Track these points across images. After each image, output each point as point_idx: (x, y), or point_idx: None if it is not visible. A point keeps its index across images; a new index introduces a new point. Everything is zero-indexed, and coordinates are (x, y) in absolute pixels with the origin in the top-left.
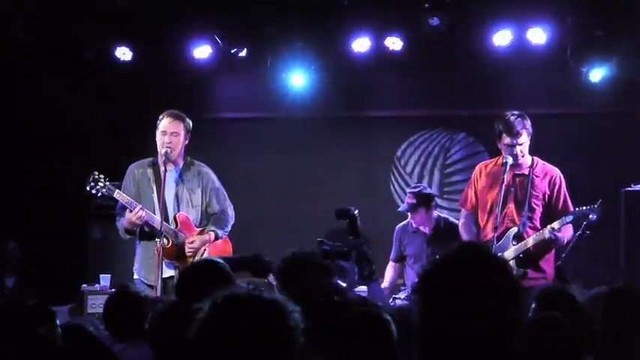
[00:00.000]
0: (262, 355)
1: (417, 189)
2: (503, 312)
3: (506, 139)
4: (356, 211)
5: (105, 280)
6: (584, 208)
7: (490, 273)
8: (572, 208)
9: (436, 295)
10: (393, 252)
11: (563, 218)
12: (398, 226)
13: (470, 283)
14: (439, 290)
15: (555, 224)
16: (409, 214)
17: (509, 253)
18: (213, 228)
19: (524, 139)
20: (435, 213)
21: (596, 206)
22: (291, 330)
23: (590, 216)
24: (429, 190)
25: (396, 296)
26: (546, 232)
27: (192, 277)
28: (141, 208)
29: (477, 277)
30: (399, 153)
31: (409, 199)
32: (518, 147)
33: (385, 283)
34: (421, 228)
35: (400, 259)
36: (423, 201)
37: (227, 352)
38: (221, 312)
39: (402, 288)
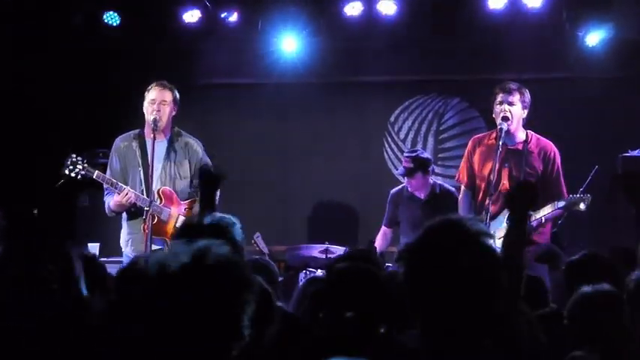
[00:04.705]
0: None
1: (415, 153)
2: (481, 281)
3: (499, 97)
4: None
5: (93, 248)
6: (577, 196)
7: (468, 245)
8: (564, 188)
9: (419, 267)
10: (386, 216)
11: (556, 203)
12: (393, 190)
13: (449, 254)
14: (421, 263)
15: (536, 214)
16: (405, 178)
17: (500, 233)
18: None
19: (516, 102)
20: (431, 179)
21: (587, 195)
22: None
23: (581, 205)
24: (426, 155)
25: (389, 264)
26: None
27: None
28: (128, 190)
29: (455, 248)
30: (392, 119)
31: (406, 163)
32: (507, 105)
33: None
34: (416, 193)
35: (393, 224)
36: (420, 165)
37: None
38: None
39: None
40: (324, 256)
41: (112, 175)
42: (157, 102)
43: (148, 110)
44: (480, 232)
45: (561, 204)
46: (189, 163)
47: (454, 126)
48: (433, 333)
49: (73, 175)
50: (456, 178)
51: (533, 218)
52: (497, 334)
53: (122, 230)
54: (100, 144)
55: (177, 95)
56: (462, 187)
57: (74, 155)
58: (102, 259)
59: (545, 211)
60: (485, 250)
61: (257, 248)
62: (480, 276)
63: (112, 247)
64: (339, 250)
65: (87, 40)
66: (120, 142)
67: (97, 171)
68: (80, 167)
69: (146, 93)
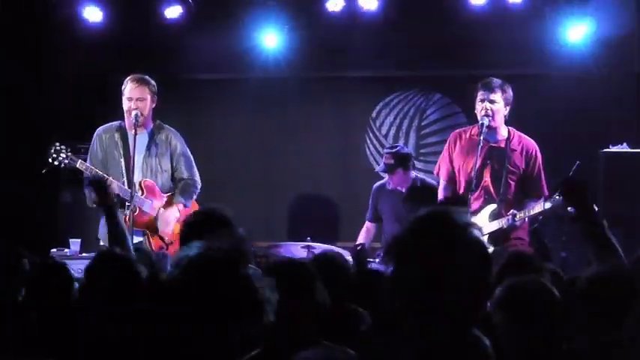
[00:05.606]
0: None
1: (395, 149)
2: (470, 274)
3: (480, 94)
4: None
5: (75, 244)
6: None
7: (457, 237)
8: (545, 188)
9: (407, 258)
10: (369, 211)
11: (543, 204)
12: (375, 185)
13: (437, 246)
14: (409, 254)
15: (522, 213)
16: (386, 174)
17: (484, 230)
18: (181, 200)
19: (498, 99)
20: (413, 173)
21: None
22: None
23: (569, 208)
24: (406, 150)
25: (372, 259)
26: (504, 221)
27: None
28: (112, 181)
29: (444, 240)
30: (374, 114)
31: (386, 160)
32: (488, 103)
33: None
34: (398, 187)
35: (376, 219)
36: (401, 161)
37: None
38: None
39: (378, 253)
40: (305, 253)
41: (93, 163)
42: (134, 99)
43: (126, 107)
44: (468, 222)
45: (548, 205)
46: (171, 156)
47: (436, 121)
48: (421, 326)
49: (56, 163)
50: (435, 172)
51: (518, 217)
52: (484, 326)
53: (101, 221)
54: (80, 139)
55: (155, 86)
56: (442, 181)
57: (58, 143)
58: (84, 254)
59: (532, 211)
60: (473, 240)
61: None
62: (470, 267)
63: (94, 244)
64: (321, 246)
65: (67, 35)
66: (102, 132)
67: (80, 160)
68: (64, 155)
69: (122, 87)
